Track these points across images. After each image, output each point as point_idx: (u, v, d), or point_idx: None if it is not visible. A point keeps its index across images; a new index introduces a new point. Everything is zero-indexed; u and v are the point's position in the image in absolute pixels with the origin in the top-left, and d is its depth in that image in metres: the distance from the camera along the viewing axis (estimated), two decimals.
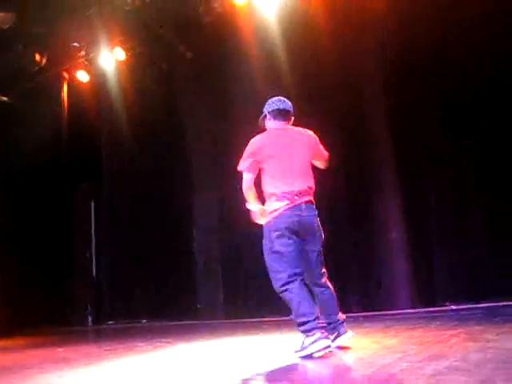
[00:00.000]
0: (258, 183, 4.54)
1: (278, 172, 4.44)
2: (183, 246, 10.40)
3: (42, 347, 7.56)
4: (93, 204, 12.28)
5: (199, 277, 10.00)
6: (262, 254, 4.45)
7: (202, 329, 8.54)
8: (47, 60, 10.59)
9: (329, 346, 4.09)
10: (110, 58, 10.69)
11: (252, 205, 4.44)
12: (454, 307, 6.99)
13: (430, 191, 7.65)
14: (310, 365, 3.95)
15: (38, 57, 10.40)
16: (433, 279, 7.44)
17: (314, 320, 4.12)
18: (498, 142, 7.03)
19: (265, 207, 4.42)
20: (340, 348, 4.36)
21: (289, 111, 4.71)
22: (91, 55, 10.91)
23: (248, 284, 9.20)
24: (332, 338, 4.33)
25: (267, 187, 4.47)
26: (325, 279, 4.49)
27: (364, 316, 6.74)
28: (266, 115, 4.72)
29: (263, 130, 4.75)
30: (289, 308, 4.30)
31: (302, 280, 4.27)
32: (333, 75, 8.32)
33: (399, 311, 7.30)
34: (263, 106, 4.76)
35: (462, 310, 6.72)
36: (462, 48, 7.28)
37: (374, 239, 8.00)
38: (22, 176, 11.60)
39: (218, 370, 4.13)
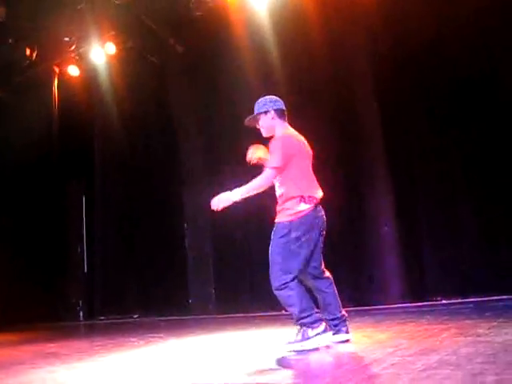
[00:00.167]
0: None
1: (302, 173, 4.46)
2: (175, 241, 10.38)
3: (33, 343, 7.54)
4: (84, 199, 12.23)
5: (191, 272, 9.99)
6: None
7: (193, 324, 8.55)
8: (38, 54, 10.53)
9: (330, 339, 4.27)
10: (101, 53, 10.63)
11: (243, 197, 4.41)
12: (444, 302, 7.02)
13: (420, 187, 7.67)
14: (300, 360, 3.96)
15: (28, 51, 10.33)
16: (424, 274, 7.46)
17: (316, 313, 4.26)
18: (490, 139, 7.06)
19: (288, 206, 4.40)
20: (335, 343, 4.37)
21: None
22: (82, 49, 10.83)
23: (239, 279, 9.20)
24: (331, 333, 4.38)
25: (292, 187, 4.40)
26: (328, 273, 4.53)
27: (355, 311, 6.76)
28: (268, 112, 4.58)
29: (254, 126, 4.69)
30: (280, 303, 4.34)
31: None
32: (324, 69, 8.31)
33: (390, 306, 7.32)
34: (254, 101, 4.65)
35: (453, 304, 6.76)
36: (455, 42, 7.31)
37: (365, 234, 8.01)
38: (12, 171, 11.56)
39: (209, 365, 4.14)
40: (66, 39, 10.60)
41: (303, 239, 4.30)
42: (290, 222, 4.33)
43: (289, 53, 8.59)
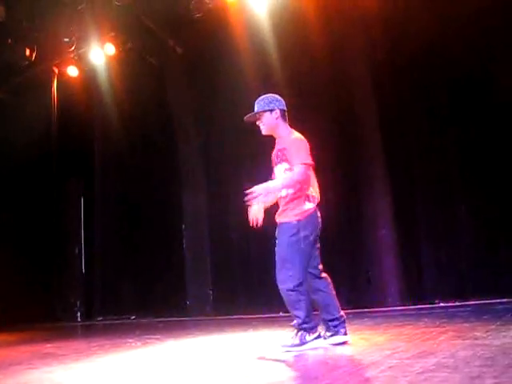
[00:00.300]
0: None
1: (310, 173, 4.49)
2: (173, 242, 10.38)
3: (31, 343, 7.52)
4: (83, 200, 12.22)
5: (189, 274, 9.98)
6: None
7: (191, 325, 8.53)
8: (37, 55, 10.53)
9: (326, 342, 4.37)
10: (101, 53, 10.65)
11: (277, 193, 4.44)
12: (442, 304, 7.02)
13: (419, 188, 7.67)
14: (297, 362, 3.96)
15: (28, 51, 10.33)
16: (422, 276, 7.46)
17: (315, 319, 4.35)
18: (489, 140, 7.07)
19: (293, 205, 4.40)
20: (333, 345, 4.37)
21: None
22: (81, 50, 10.84)
23: (237, 281, 9.20)
24: (329, 334, 4.42)
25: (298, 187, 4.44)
26: (325, 274, 4.54)
27: (353, 313, 6.75)
28: (273, 110, 4.52)
29: (253, 122, 4.62)
30: (283, 304, 4.37)
31: None
32: (323, 71, 8.33)
33: (388, 308, 7.32)
34: (253, 102, 4.59)
35: (451, 307, 6.75)
36: (454, 42, 7.31)
37: (363, 236, 8.01)
38: (11, 171, 11.54)
39: (207, 367, 4.13)
40: (66, 40, 10.59)
41: (311, 238, 4.36)
42: (298, 221, 4.34)
43: (288, 55, 8.60)
